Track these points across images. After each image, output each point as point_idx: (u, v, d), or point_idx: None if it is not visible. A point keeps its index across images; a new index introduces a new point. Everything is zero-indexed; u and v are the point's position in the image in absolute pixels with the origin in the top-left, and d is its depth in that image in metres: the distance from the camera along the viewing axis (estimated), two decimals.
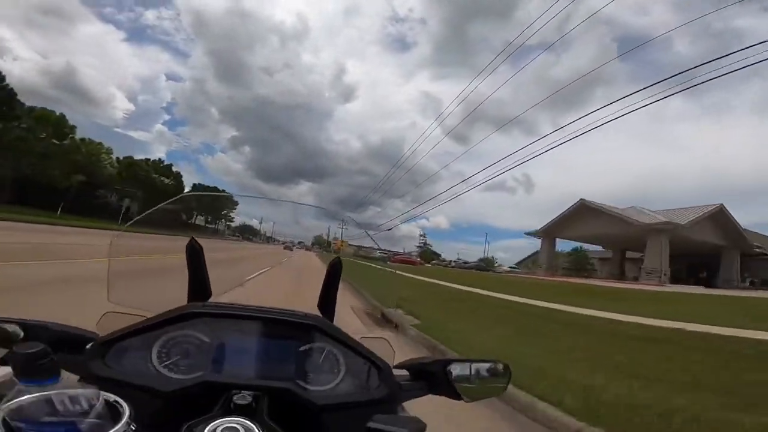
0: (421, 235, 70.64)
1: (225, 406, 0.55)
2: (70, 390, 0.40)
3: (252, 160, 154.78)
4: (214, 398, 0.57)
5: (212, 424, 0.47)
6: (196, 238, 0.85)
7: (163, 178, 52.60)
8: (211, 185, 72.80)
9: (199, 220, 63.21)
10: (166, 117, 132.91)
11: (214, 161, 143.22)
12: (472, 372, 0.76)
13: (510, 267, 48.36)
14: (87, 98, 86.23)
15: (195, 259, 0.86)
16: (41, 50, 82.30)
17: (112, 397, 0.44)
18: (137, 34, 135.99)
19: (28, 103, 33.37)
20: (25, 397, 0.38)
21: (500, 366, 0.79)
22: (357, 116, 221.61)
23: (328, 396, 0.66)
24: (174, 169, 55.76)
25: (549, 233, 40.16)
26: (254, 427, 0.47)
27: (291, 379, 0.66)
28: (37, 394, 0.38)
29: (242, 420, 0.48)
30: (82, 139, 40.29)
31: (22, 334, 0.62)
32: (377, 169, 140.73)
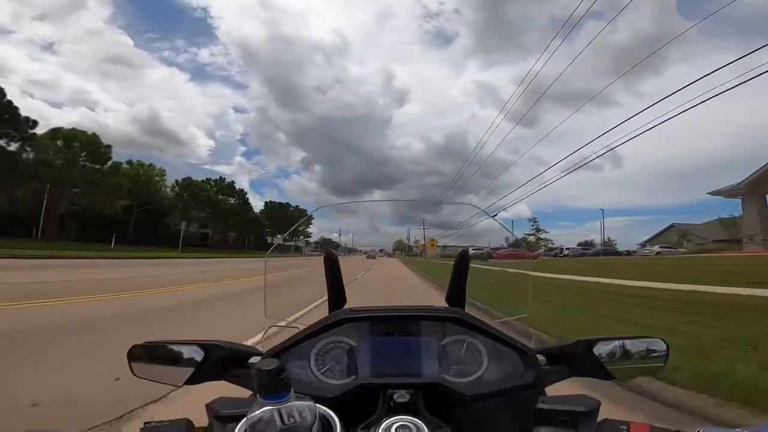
0: (530, 220, 54.49)
1: (386, 405, 0.59)
2: (296, 403, 0.43)
3: (324, 177, 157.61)
4: (369, 399, 0.61)
5: (384, 423, 0.50)
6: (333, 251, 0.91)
7: (229, 198, 50.34)
8: (283, 202, 71.63)
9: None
10: (243, 148, 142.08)
11: (291, 183, 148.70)
12: (623, 350, 0.69)
13: (660, 247, 35.37)
14: (175, 140, 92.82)
15: (332, 268, 0.88)
16: (124, 99, 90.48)
17: (323, 409, 0.48)
18: (198, 73, 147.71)
19: (125, 151, 31.75)
20: (260, 411, 0.41)
21: (656, 342, 0.70)
22: (415, 118, 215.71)
23: (475, 386, 0.67)
24: (238, 187, 53.34)
25: (758, 186, 25.38)
26: (422, 423, 0.51)
27: (438, 374, 0.69)
28: (272, 407, 0.41)
29: (409, 417, 0.52)
30: (129, 161, 38.11)
31: (203, 353, 0.67)
32: (445, 168, 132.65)
